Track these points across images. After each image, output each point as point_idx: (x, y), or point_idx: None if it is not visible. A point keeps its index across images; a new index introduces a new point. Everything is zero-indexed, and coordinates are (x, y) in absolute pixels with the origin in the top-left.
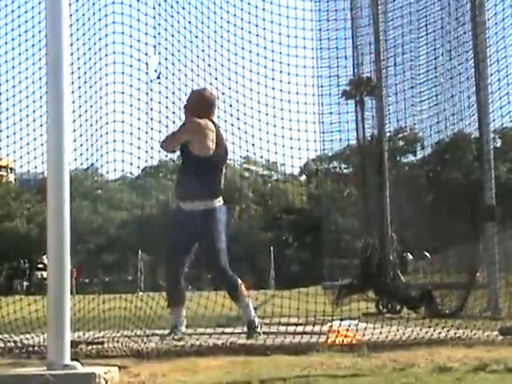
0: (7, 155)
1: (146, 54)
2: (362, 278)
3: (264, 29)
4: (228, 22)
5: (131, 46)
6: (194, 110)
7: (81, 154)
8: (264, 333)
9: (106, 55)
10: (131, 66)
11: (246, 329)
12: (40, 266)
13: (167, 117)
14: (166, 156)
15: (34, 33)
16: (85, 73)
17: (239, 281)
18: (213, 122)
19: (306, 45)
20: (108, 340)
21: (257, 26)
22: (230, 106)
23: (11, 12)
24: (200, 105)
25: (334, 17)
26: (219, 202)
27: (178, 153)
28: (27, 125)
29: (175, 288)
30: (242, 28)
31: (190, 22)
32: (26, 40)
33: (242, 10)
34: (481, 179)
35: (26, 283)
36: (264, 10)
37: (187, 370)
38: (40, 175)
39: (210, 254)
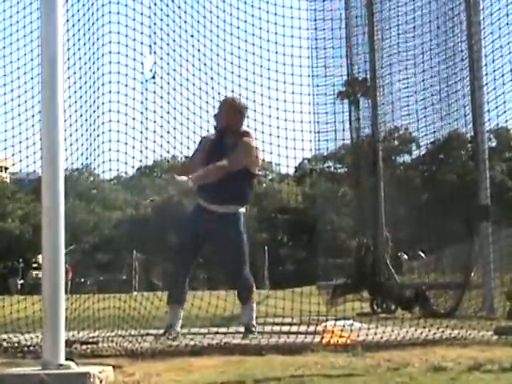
0: (5, 156)
1: (142, 54)
2: (356, 277)
3: (260, 28)
4: (224, 21)
5: (127, 46)
6: (231, 120)
7: (75, 154)
8: (258, 332)
9: (103, 55)
10: (127, 65)
11: (243, 329)
12: (35, 265)
13: (162, 116)
14: (161, 156)
15: (25, 32)
16: (80, 73)
17: (253, 284)
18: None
19: (302, 44)
20: (103, 339)
21: (253, 25)
22: None
23: (3, 11)
24: (235, 114)
25: (329, 16)
26: (243, 209)
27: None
28: (21, 124)
29: (179, 287)
30: (238, 27)
31: (185, 22)
32: (18, 39)
33: (238, 8)
34: (476, 179)
35: (20, 282)
36: (260, 8)
37: (181, 369)
38: (34, 174)
39: (233, 255)
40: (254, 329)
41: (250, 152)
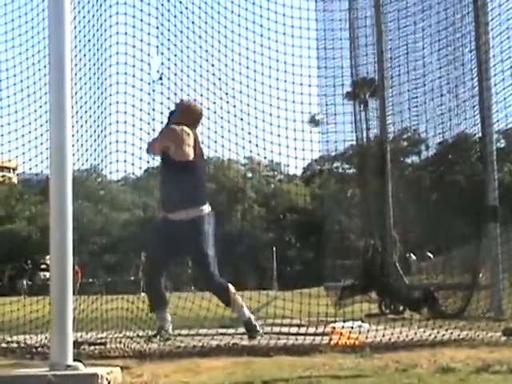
0: (13, 157)
1: (149, 55)
2: (364, 278)
3: (268, 29)
4: (232, 22)
5: (134, 47)
6: (178, 119)
7: (84, 155)
8: (266, 333)
9: (110, 56)
10: (134, 66)
11: (245, 330)
12: (43, 266)
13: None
14: (153, 159)
15: (33, 33)
16: (89, 74)
17: (228, 284)
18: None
19: (310, 45)
20: (110, 341)
21: (261, 25)
22: (234, 106)
23: (11, 11)
24: (186, 116)
25: (337, 17)
26: (205, 209)
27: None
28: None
29: (157, 293)
30: (246, 28)
31: (193, 23)
32: (27, 40)
33: (246, 9)
34: (484, 180)
35: (29, 283)
36: (268, 9)
37: (189, 370)
38: (42, 175)
39: (198, 261)
40: (254, 324)
41: (170, 135)
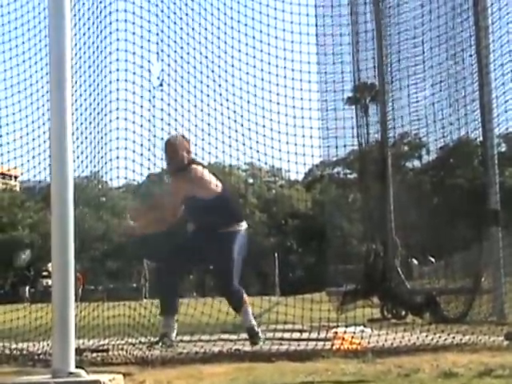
0: (15, 165)
1: (149, 61)
2: (366, 283)
3: (268, 34)
4: (232, 28)
5: (134, 53)
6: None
7: (84, 161)
8: (267, 339)
9: (111, 63)
10: (134, 73)
11: (247, 336)
12: (45, 273)
13: (169, 124)
14: (155, 165)
15: (36, 40)
16: (89, 81)
17: (244, 294)
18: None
19: (310, 50)
20: (113, 347)
21: (261, 31)
22: (234, 112)
23: (8, 22)
24: (183, 148)
25: (338, 22)
26: (242, 225)
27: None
28: (33, 130)
29: (170, 298)
30: (245, 34)
31: (193, 29)
32: (29, 48)
33: (245, 15)
34: (485, 184)
35: (31, 290)
36: (268, 15)
37: (192, 376)
38: (44, 182)
39: (221, 270)
40: (256, 331)
41: (198, 182)
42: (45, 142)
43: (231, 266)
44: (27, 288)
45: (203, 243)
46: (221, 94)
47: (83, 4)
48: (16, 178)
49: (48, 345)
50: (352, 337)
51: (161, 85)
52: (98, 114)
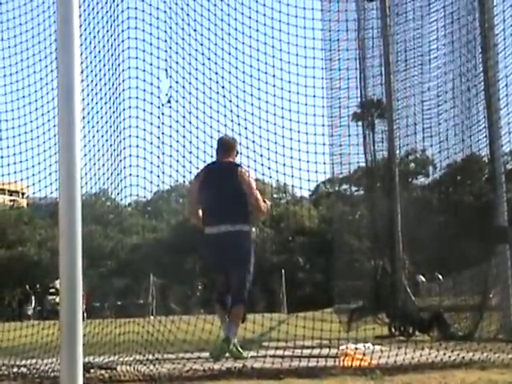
0: (20, 180)
1: (158, 78)
2: (373, 300)
3: (280, 50)
4: (243, 44)
5: (144, 71)
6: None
7: (92, 178)
8: (275, 356)
9: (124, 80)
10: (144, 90)
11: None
12: (52, 290)
13: (178, 141)
14: (177, 181)
15: (46, 53)
16: (96, 99)
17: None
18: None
19: (316, 65)
20: (121, 364)
21: (273, 47)
22: (245, 128)
23: (19, 34)
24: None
25: (345, 37)
26: (252, 228)
27: None
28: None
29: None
30: (257, 49)
31: (201, 44)
32: (34, 63)
33: (257, 31)
34: (493, 201)
35: (38, 308)
36: (280, 30)
37: None
38: (51, 199)
39: (240, 274)
40: (230, 342)
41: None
42: (51, 156)
43: (248, 273)
44: (33, 305)
45: (220, 246)
46: (231, 110)
47: (93, 18)
48: (23, 194)
49: (56, 361)
50: (360, 354)
51: (169, 101)
52: (107, 131)
